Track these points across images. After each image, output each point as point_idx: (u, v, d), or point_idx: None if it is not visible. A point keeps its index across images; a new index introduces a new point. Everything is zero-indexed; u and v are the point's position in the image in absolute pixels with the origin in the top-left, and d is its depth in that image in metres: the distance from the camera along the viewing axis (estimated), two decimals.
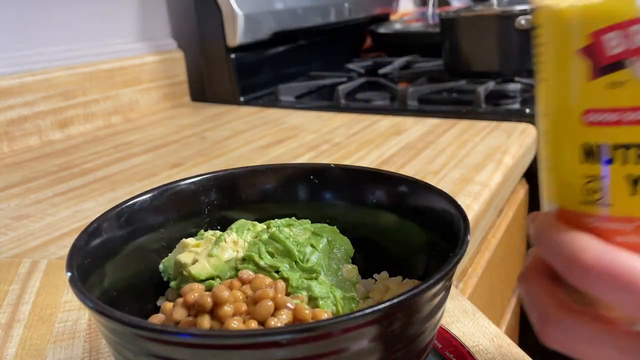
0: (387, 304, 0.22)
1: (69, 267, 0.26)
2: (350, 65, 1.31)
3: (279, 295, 0.26)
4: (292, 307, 0.26)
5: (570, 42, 0.23)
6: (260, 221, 0.35)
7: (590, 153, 0.24)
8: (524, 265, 0.27)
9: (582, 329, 0.23)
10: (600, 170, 0.24)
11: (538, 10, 0.24)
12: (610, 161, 0.24)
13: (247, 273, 0.29)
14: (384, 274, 0.34)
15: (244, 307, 0.26)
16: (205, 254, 0.32)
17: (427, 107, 0.96)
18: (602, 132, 0.23)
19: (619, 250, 0.23)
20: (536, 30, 0.25)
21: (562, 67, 0.24)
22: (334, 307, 0.30)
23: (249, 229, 0.33)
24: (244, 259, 0.31)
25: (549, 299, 0.25)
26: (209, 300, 0.25)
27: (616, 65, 0.22)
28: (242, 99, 1.08)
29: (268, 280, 0.28)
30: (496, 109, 0.91)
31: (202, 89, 1.14)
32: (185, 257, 0.32)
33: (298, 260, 0.31)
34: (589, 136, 0.24)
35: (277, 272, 0.30)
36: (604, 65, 0.23)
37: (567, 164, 0.25)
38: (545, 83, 0.25)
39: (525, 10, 0.98)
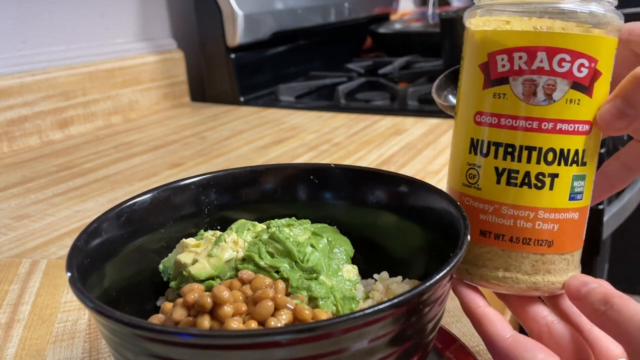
0: (387, 304, 0.22)
1: (69, 267, 0.26)
2: (350, 65, 1.30)
3: (279, 296, 0.26)
4: (292, 307, 0.26)
5: (476, 57, 0.30)
6: (260, 221, 0.35)
7: (474, 146, 0.30)
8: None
9: None
10: (479, 160, 0.30)
11: (465, 30, 0.31)
12: (486, 154, 0.30)
13: (247, 273, 0.29)
14: (384, 274, 0.34)
15: (243, 307, 0.26)
16: (205, 254, 0.32)
17: (427, 107, 0.96)
18: (485, 131, 0.30)
19: (519, 348, 0.28)
20: (463, 46, 0.31)
21: (469, 76, 0.30)
22: (334, 307, 0.30)
23: (249, 229, 0.33)
24: (244, 259, 0.31)
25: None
26: (208, 301, 0.25)
27: (501, 80, 0.29)
28: (242, 99, 1.08)
29: (268, 280, 0.28)
30: None
31: (202, 89, 1.14)
32: (185, 257, 0.32)
33: (298, 261, 0.31)
34: (476, 132, 0.30)
35: (277, 272, 0.30)
36: (493, 79, 0.29)
37: (459, 153, 0.31)
38: (460, 88, 0.31)
39: None
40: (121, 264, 0.31)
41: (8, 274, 0.47)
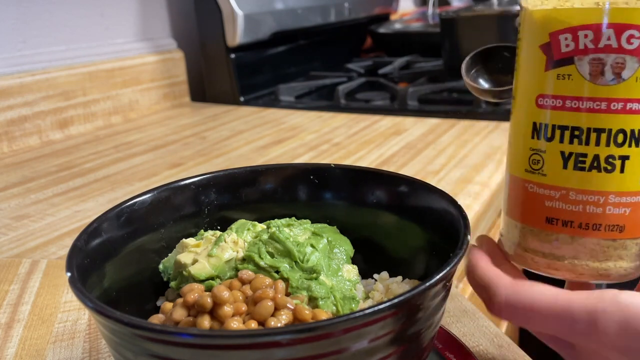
0: (387, 304, 0.22)
1: (69, 267, 0.26)
2: (350, 65, 1.30)
3: (279, 296, 0.26)
4: (292, 307, 0.26)
5: (536, 38, 0.28)
6: (260, 221, 0.35)
7: (537, 130, 0.29)
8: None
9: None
10: (543, 145, 0.29)
11: (521, 10, 0.30)
12: (550, 138, 0.28)
13: (247, 273, 0.29)
14: (384, 274, 0.34)
15: (243, 307, 0.26)
16: (205, 254, 0.32)
17: (427, 107, 0.96)
18: (548, 114, 0.28)
19: (525, 284, 0.27)
20: (519, 27, 0.30)
21: (529, 58, 0.29)
22: (334, 307, 0.30)
23: (249, 229, 0.33)
24: (244, 259, 0.31)
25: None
26: (208, 301, 0.25)
27: (565, 60, 0.27)
28: (242, 99, 1.08)
29: (268, 280, 0.28)
30: (496, 109, 0.91)
31: (202, 89, 1.14)
32: (185, 257, 0.32)
33: (298, 261, 0.31)
34: (539, 116, 0.29)
35: (277, 272, 0.30)
36: (556, 59, 0.28)
37: (521, 138, 0.30)
38: (518, 70, 0.30)
39: None
40: (121, 264, 0.31)
41: (8, 274, 0.47)
